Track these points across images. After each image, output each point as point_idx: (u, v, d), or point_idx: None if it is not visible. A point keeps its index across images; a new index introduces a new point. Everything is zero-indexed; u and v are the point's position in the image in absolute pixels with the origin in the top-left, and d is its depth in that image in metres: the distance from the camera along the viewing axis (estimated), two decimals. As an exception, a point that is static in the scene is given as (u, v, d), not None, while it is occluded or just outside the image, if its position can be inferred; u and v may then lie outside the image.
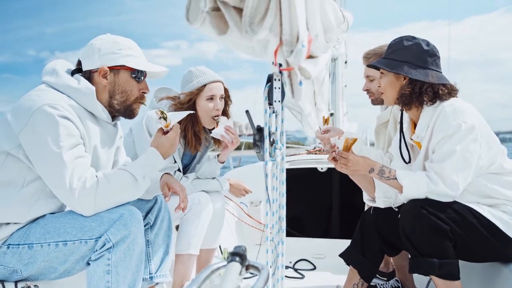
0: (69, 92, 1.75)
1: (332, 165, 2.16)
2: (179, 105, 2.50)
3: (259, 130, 1.23)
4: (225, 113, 2.62)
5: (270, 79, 1.13)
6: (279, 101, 1.13)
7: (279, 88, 1.12)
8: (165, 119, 1.94)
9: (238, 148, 2.61)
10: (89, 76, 1.84)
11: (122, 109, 1.90)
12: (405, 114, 2.19)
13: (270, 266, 1.15)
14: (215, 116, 2.53)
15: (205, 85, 2.51)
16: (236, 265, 0.86)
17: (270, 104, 1.13)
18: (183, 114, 2.06)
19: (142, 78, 1.91)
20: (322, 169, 3.66)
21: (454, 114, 1.91)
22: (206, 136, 2.66)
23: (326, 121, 2.66)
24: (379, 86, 2.14)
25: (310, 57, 0.98)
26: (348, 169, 2.07)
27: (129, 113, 1.93)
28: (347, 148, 2.07)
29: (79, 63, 1.88)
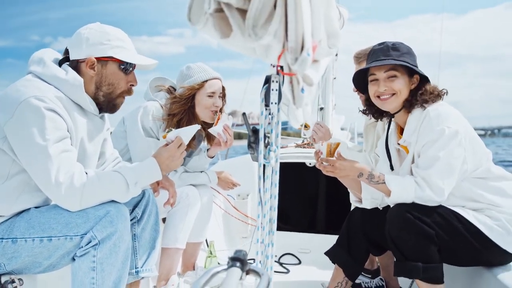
0: (57, 83, 1.70)
1: None
2: (178, 98, 2.49)
3: (254, 132, 1.20)
4: (220, 110, 2.60)
5: (267, 81, 1.10)
6: (275, 103, 1.11)
7: (276, 90, 1.10)
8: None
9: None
10: (76, 65, 1.79)
11: (106, 102, 1.85)
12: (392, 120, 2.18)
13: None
14: (214, 112, 2.54)
15: (206, 81, 2.52)
16: (236, 271, 0.84)
17: (267, 105, 1.11)
18: (192, 130, 2.03)
19: (130, 69, 1.86)
20: (310, 164, 3.66)
21: (438, 119, 1.91)
22: (200, 132, 2.64)
23: (305, 126, 2.66)
24: (385, 89, 2.01)
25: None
26: (336, 175, 2.06)
27: (112, 107, 1.88)
28: (331, 153, 2.06)
29: (67, 51, 1.82)
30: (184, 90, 2.50)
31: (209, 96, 2.52)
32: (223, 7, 0.84)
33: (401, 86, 2.00)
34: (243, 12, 0.85)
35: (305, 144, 4.24)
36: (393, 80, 2.00)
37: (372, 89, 2.07)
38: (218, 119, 2.49)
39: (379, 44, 2.05)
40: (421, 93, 2.00)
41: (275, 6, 0.80)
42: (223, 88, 2.61)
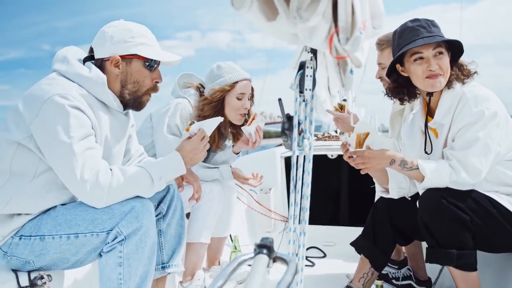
0: (80, 81, 1.69)
1: (341, 152, 2.07)
2: (209, 100, 2.45)
3: (289, 118, 1.16)
4: (248, 112, 2.57)
5: (302, 67, 1.06)
6: (310, 90, 1.07)
7: (311, 76, 1.06)
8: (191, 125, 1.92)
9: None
10: (101, 64, 1.78)
11: (132, 100, 1.84)
12: (420, 100, 2.10)
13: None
14: (243, 114, 2.50)
15: (236, 82, 2.47)
16: (263, 258, 0.82)
17: (301, 92, 1.07)
18: (214, 122, 1.98)
19: (155, 66, 1.84)
20: (332, 156, 3.61)
21: (475, 101, 1.84)
22: (223, 125, 2.59)
23: (342, 108, 2.61)
24: (437, 68, 1.89)
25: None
26: (367, 165, 1.96)
27: (138, 104, 1.87)
28: (360, 144, 1.97)
29: (92, 50, 1.81)
30: (214, 92, 2.45)
31: (238, 98, 2.47)
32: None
33: (448, 63, 1.91)
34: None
35: (326, 136, 4.20)
36: (441, 58, 1.90)
37: (419, 69, 1.91)
38: (253, 119, 2.45)
39: (413, 21, 1.92)
40: (459, 67, 1.93)
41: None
42: (252, 89, 2.57)
